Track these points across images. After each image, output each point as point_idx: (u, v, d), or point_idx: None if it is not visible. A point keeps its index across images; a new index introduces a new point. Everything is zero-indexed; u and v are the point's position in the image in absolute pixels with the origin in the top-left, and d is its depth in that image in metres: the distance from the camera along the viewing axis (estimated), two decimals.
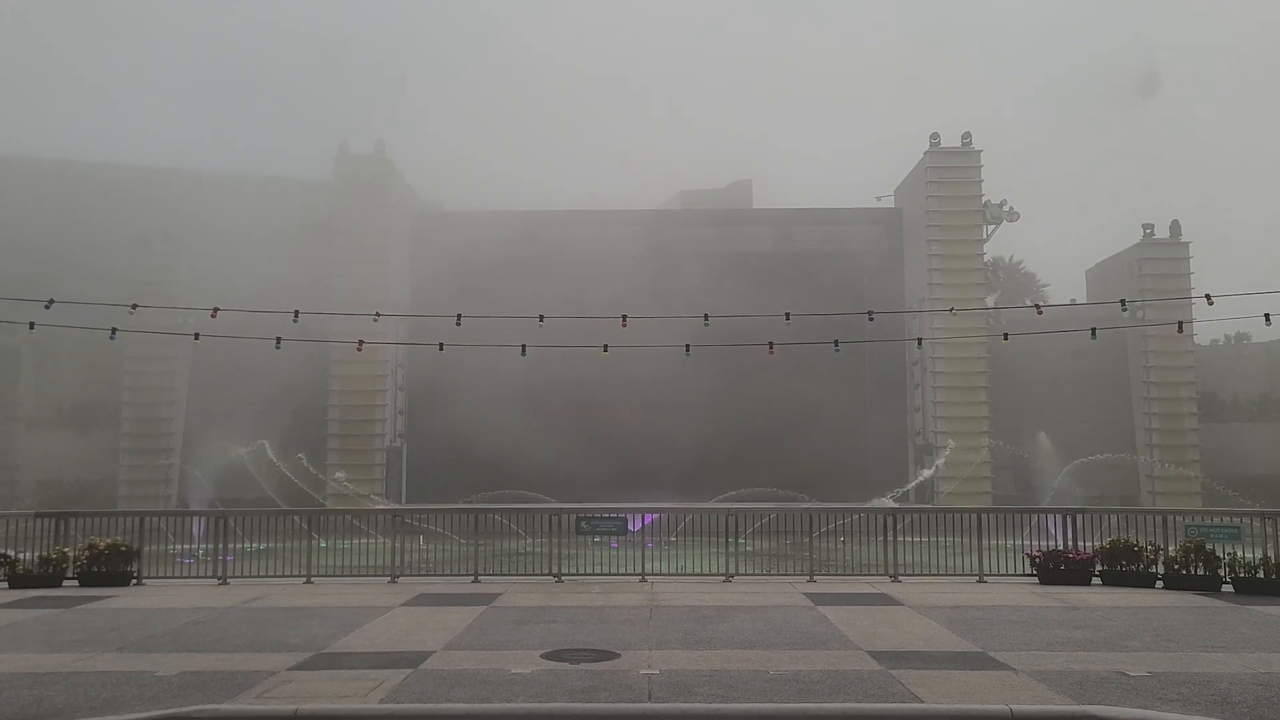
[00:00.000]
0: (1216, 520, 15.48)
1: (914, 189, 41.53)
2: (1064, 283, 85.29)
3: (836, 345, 16.96)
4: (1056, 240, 75.40)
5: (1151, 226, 39.83)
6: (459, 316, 16.84)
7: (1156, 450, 38.23)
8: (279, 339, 17.23)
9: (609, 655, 10.16)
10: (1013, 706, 8.24)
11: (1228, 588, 14.58)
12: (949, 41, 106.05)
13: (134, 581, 16.18)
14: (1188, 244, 39.25)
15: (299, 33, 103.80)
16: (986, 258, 41.00)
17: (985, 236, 40.02)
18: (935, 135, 39.90)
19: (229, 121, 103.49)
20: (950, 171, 39.54)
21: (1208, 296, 14.87)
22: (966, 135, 39.82)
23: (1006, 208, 40.25)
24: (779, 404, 40.15)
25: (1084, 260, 48.02)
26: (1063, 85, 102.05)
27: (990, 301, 42.94)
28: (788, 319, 15.82)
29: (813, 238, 43.54)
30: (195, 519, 21.65)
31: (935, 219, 39.20)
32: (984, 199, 39.68)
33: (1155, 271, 39.02)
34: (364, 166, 39.71)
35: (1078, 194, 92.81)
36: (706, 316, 16.20)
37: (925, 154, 40.08)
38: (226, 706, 8.38)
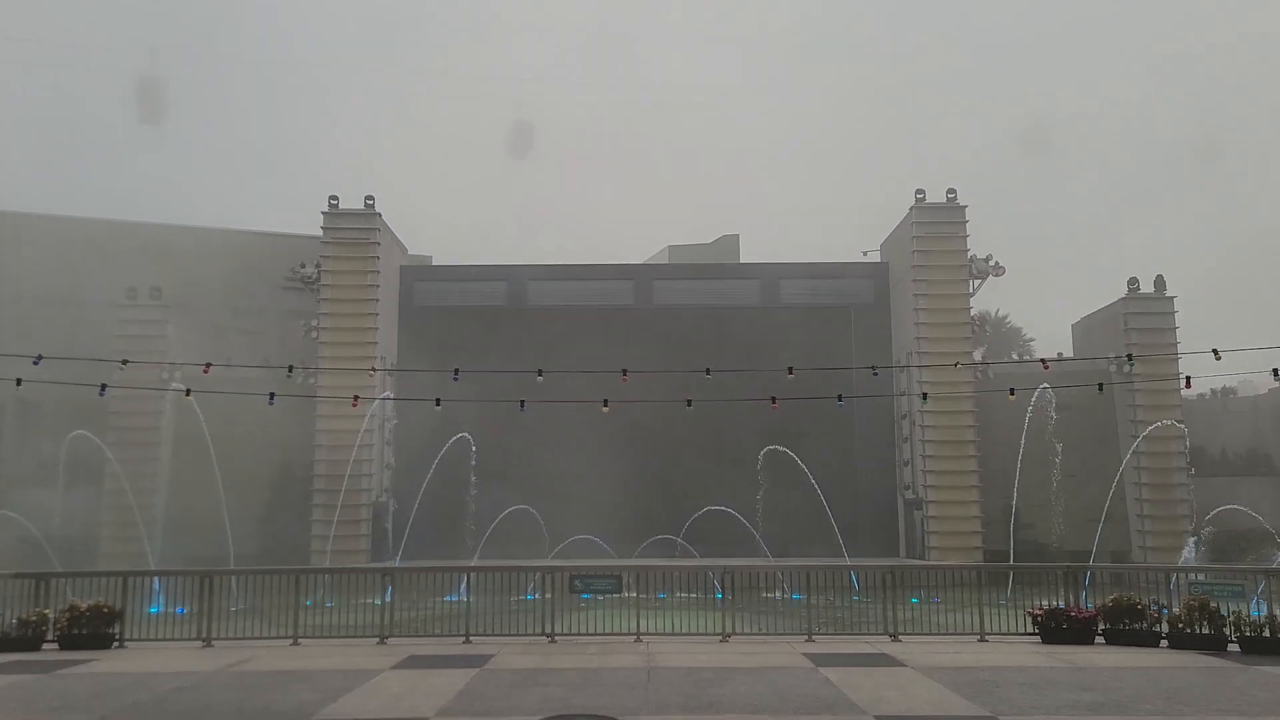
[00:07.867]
0: (1220, 578, 15.30)
1: (900, 244, 41.79)
2: (1050, 337, 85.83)
3: (840, 399, 16.85)
4: (1042, 295, 76.18)
5: (1136, 281, 40.06)
6: (456, 371, 16.70)
7: (1146, 505, 38.08)
8: (272, 395, 17.00)
9: None
10: None
11: (1234, 647, 14.39)
12: (935, 94, 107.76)
13: (116, 644, 15.77)
14: (1173, 298, 39.45)
15: (287, 85, 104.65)
16: (973, 312, 41.07)
17: (971, 291, 40.19)
18: (920, 191, 40.26)
19: (216, 174, 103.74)
20: (935, 227, 39.80)
21: (1214, 351, 14.88)
22: (952, 191, 40.18)
23: (992, 262, 40.44)
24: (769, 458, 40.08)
25: (1070, 314, 48.27)
26: (1047, 140, 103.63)
27: (977, 356, 42.97)
28: (790, 373, 15.74)
29: (800, 292, 43.68)
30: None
31: (921, 274, 39.40)
32: (969, 254, 39.93)
33: (1141, 326, 39.17)
34: (353, 221, 39.66)
35: (1063, 249, 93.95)
36: (709, 370, 16.10)
37: (911, 209, 40.37)
38: None
